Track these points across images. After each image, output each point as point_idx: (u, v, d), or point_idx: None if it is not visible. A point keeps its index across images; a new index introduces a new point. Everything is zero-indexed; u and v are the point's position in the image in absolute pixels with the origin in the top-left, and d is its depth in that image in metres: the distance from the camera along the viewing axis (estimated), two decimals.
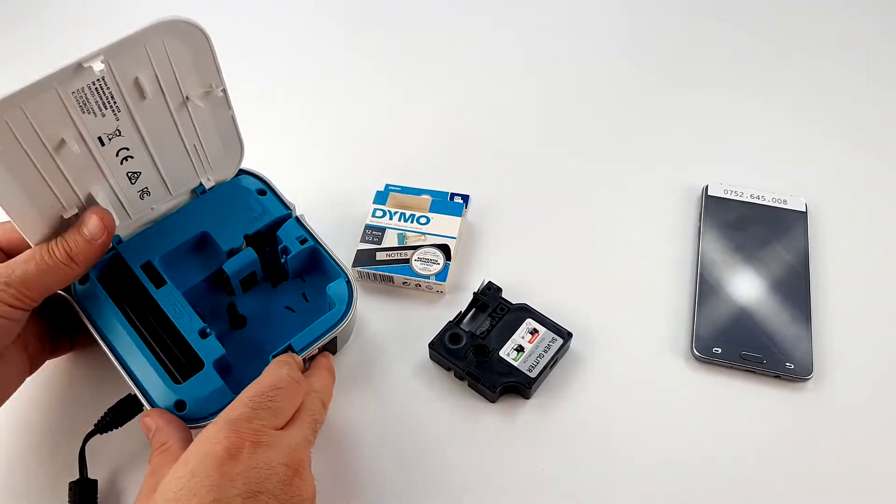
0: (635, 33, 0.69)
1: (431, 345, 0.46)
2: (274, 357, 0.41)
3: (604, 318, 0.49)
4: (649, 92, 0.64)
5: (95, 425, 0.42)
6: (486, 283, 0.49)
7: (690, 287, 0.51)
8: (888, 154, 0.59)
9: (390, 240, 0.51)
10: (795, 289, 0.50)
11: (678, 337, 0.49)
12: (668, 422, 0.45)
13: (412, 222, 0.52)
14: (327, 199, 0.55)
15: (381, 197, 0.54)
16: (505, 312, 0.47)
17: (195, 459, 0.33)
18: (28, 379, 0.42)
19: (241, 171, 0.47)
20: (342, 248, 0.52)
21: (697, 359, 0.47)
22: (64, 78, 0.34)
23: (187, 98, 0.40)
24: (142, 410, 0.41)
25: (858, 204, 0.55)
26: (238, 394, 0.37)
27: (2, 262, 0.39)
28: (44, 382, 0.47)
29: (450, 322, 0.47)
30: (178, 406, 0.39)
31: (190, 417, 0.39)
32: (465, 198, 0.56)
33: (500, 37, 0.69)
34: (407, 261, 0.50)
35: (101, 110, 0.37)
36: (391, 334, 0.49)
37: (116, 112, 0.38)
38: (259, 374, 0.38)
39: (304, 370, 0.42)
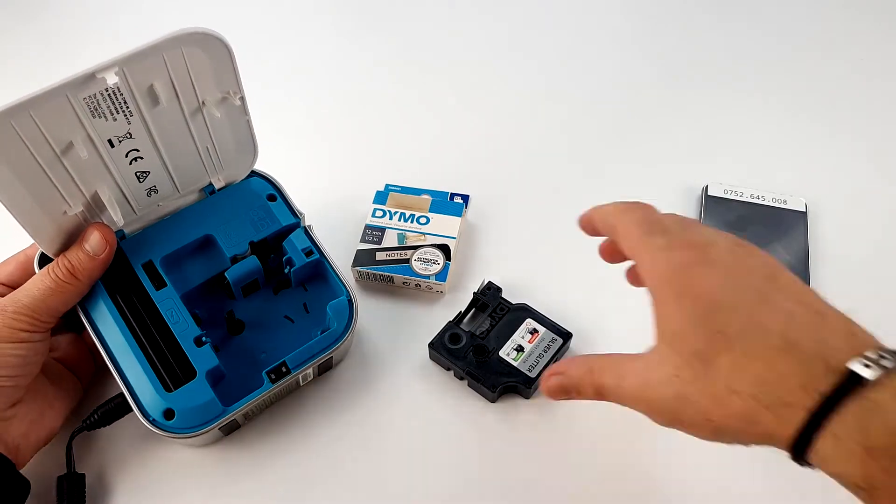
0: (636, 34, 0.69)
1: (431, 345, 0.46)
2: (267, 373, 0.41)
3: (603, 319, 0.49)
4: (649, 92, 0.64)
5: (83, 422, 0.42)
6: (485, 282, 0.49)
7: None
8: (888, 154, 0.59)
9: (390, 240, 0.51)
10: None
11: None
12: None
13: (412, 222, 0.52)
14: (327, 199, 0.55)
15: (381, 197, 0.54)
16: (505, 312, 0.47)
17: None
18: None
19: (253, 173, 0.47)
20: (342, 248, 0.52)
21: None
22: (76, 86, 0.33)
23: (203, 103, 0.39)
24: (130, 411, 0.40)
25: (858, 204, 0.55)
26: (229, 405, 0.37)
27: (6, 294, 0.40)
28: None
29: (450, 322, 0.47)
30: (167, 415, 0.39)
31: (177, 427, 0.39)
32: (465, 198, 0.56)
33: (501, 37, 0.69)
34: (407, 261, 0.50)
35: (112, 115, 0.36)
36: (391, 334, 0.49)
37: (129, 116, 0.37)
38: (251, 382, 0.39)
39: None
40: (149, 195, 0.43)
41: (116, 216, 0.40)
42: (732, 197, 0.54)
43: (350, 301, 0.44)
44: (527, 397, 0.46)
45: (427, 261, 0.50)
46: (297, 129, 0.62)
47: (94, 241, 0.39)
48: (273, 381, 0.41)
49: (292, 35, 0.69)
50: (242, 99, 0.41)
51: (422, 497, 0.43)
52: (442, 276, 0.50)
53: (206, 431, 0.40)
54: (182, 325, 0.41)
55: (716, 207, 0.54)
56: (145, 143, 0.39)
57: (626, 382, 0.32)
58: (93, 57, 0.34)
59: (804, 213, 0.53)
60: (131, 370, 0.40)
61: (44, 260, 0.41)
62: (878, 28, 0.68)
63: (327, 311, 0.44)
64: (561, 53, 0.67)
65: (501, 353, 0.46)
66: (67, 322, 0.42)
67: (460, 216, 0.52)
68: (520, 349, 0.46)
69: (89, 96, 0.35)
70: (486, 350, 0.46)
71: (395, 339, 0.49)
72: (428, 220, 0.52)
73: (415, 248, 0.51)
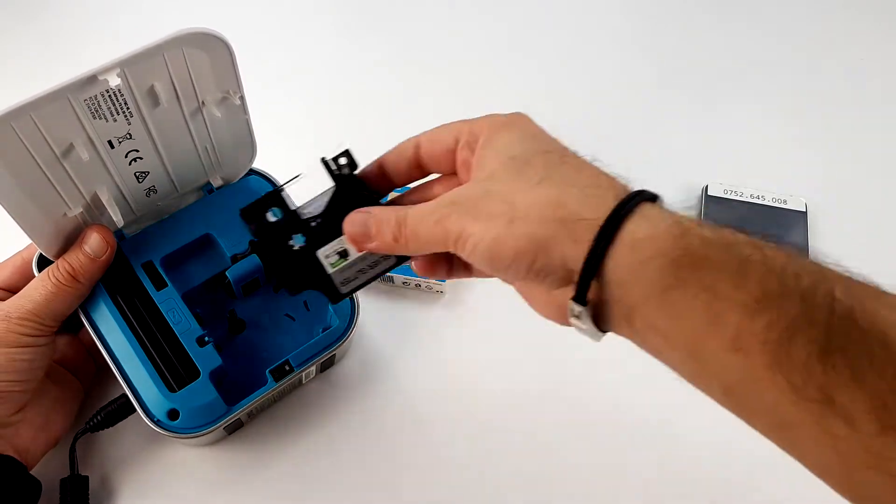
0: (636, 34, 0.69)
1: (243, 211, 0.36)
2: (270, 372, 0.41)
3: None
4: (649, 92, 0.64)
5: (87, 424, 0.42)
6: (345, 150, 0.38)
7: None
8: (888, 154, 0.59)
9: None
10: None
11: None
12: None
13: None
14: None
15: None
16: (350, 202, 0.36)
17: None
18: None
19: (252, 171, 0.47)
20: None
21: None
22: (77, 87, 0.33)
23: (203, 103, 0.39)
24: (133, 412, 0.40)
25: (858, 204, 0.55)
26: (233, 404, 0.37)
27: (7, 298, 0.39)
28: None
29: (278, 187, 0.38)
30: (171, 415, 0.39)
31: (182, 427, 0.39)
32: None
33: (501, 37, 0.69)
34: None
35: (112, 116, 0.36)
36: (391, 334, 0.49)
37: (129, 117, 0.37)
38: (253, 381, 0.38)
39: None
40: (147, 195, 0.43)
41: (116, 217, 0.40)
42: (732, 197, 0.54)
43: (351, 298, 0.44)
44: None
45: None
46: (297, 129, 0.62)
47: (94, 242, 0.39)
48: (276, 380, 0.41)
49: (292, 35, 0.69)
50: (242, 98, 0.41)
51: (424, 494, 0.43)
52: None
53: (211, 431, 0.40)
54: (184, 325, 0.41)
55: (716, 207, 0.54)
56: (145, 143, 0.39)
57: (431, 194, 0.34)
58: (93, 57, 0.34)
59: (804, 213, 0.53)
60: (134, 371, 0.40)
61: (42, 262, 0.41)
62: (878, 28, 0.68)
63: (328, 309, 0.44)
64: (561, 53, 0.67)
65: (320, 252, 0.35)
66: (64, 323, 0.42)
67: None
68: (343, 255, 0.36)
69: (90, 98, 0.34)
70: (305, 241, 0.35)
71: (395, 338, 0.49)
72: None
73: None
